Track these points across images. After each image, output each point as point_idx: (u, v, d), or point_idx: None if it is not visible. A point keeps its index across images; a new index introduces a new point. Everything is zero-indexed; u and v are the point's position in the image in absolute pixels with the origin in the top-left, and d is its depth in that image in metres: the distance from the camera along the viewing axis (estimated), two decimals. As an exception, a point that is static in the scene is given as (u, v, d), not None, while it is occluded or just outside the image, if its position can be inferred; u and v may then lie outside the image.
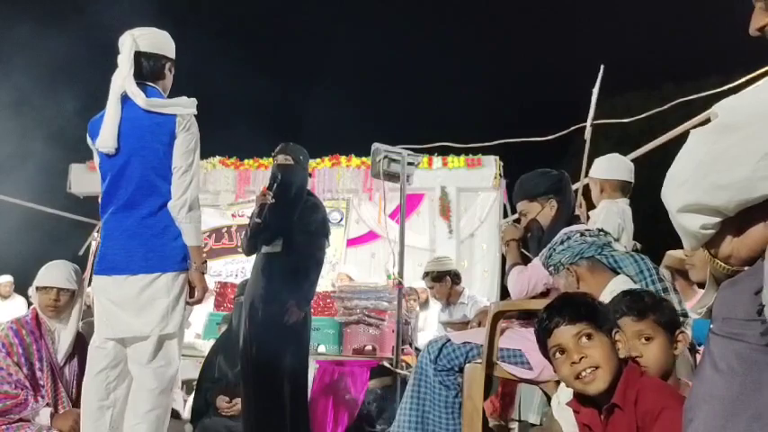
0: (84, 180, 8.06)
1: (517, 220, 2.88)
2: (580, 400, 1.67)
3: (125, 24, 2.67)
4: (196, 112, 2.62)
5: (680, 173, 1.15)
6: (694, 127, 1.20)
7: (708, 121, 1.16)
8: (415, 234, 7.13)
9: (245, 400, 3.47)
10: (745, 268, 1.15)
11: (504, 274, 2.86)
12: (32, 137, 7.68)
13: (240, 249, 4.46)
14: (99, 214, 2.86)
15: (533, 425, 3.02)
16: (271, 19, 27.58)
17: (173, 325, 2.53)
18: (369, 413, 4.05)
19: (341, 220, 7.64)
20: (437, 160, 7.48)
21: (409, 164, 4.00)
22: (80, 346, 2.96)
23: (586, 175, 3.72)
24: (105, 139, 2.56)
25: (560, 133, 6.10)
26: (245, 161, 7.97)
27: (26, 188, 7.67)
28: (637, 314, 1.74)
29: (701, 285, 2.93)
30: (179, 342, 2.64)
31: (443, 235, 7.43)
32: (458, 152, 7.44)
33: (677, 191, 1.15)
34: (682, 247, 1.98)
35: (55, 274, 2.98)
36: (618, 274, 2.16)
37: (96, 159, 2.68)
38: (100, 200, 2.74)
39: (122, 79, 2.58)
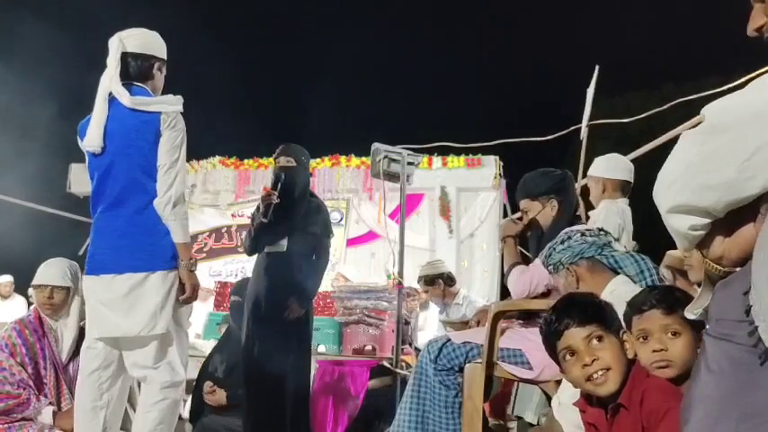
0: (84, 180, 7.90)
1: (519, 218, 2.88)
2: (587, 400, 1.68)
3: (130, 26, 2.67)
4: (182, 110, 2.59)
5: (670, 174, 1.15)
6: (693, 127, 1.20)
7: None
8: (415, 234, 7.11)
9: (245, 399, 3.47)
10: (738, 269, 1.15)
11: (503, 274, 2.85)
12: (32, 136, 7.68)
13: (240, 249, 4.46)
14: (94, 214, 2.85)
15: (531, 424, 3.02)
16: (271, 19, 27.57)
17: (162, 324, 2.49)
18: (369, 413, 4.05)
19: (341, 219, 7.62)
20: (437, 160, 7.46)
21: (409, 164, 4.00)
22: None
23: (584, 176, 3.72)
24: (92, 138, 2.56)
25: (560, 133, 6.12)
26: (245, 161, 7.95)
27: (26, 188, 7.67)
28: (666, 308, 1.70)
29: (702, 286, 2.92)
30: (184, 339, 2.64)
31: (443, 235, 7.41)
32: (458, 152, 7.43)
33: (667, 192, 1.15)
34: (680, 248, 1.98)
35: (49, 271, 2.97)
36: (618, 274, 2.16)
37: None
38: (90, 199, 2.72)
39: (109, 80, 2.58)
